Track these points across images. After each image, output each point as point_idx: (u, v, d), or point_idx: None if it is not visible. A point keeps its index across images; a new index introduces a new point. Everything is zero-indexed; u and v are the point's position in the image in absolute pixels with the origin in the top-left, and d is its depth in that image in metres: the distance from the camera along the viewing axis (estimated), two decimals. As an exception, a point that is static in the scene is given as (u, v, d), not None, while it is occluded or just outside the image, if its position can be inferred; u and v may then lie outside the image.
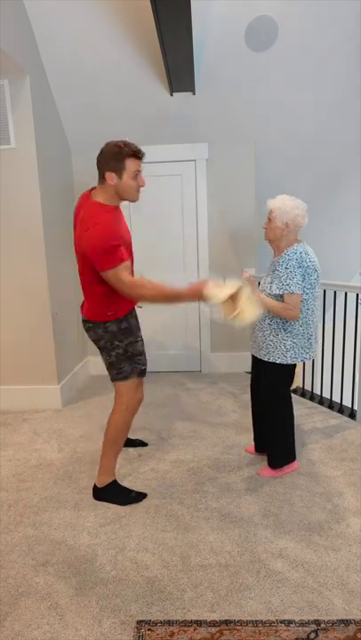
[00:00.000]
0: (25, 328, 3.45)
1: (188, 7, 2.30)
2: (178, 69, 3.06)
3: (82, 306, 2.26)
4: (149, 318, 4.19)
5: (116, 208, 2.10)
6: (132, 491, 2.34)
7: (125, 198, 2.09)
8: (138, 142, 4.04)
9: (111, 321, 2.14)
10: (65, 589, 1.77)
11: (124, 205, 2.24)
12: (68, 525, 2.14)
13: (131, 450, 2.83)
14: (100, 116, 3.69)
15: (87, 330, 2.24)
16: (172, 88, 3.41)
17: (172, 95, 3.53)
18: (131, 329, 2.19)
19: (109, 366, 2.22)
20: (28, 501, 2.35)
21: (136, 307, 2.30)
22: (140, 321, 2.34)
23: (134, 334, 2.21)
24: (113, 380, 2.24)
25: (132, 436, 2.91)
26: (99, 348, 2.23)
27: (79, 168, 4.03)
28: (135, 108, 3.63)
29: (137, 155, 2.05)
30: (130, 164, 2.01)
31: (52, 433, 3.12)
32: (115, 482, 2.32)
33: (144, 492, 2.36)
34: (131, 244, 2.22)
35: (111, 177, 2.01)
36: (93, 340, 2.23)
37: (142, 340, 2.28)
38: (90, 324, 2.20)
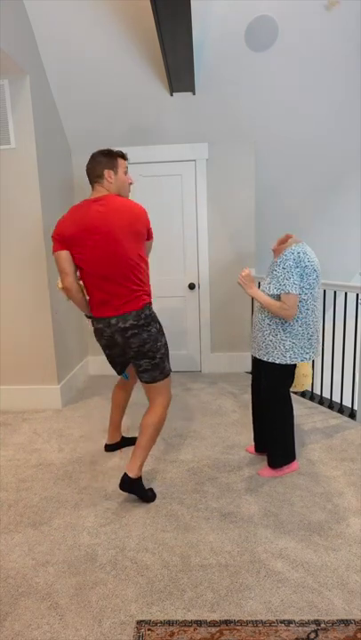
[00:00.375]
0: (25, 328, 3.45)
1: (188, 7, 2.30)
2: (178, 69, 3.06)
3: (108, 309, 2.20)
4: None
5: None
6: (148, 490, 2.35)
7: (121, 194, 2.26)
8: (138, 142, 4.10)
9: (152, 322, 2.22)
10: (65, 589, 1.77)
11: None
12: (68, 525, 2.15)
13: (131, 450, 2.83)
14: (100, 116, 3.69)
15: (129, 338, 2.19)
16: (172, 88, 3.41)
17: (172, 95, 3.53)
18: (161, 327, 2.30)
19: (153, 368, 2.23)
20: (28, 501, 2.35)
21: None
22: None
23: (163, 333, 2.31)
24: (154, 381, 2.26)
25: (132, 434, 2.94)
26: (141, 353, 2.20)
27: (79, 168, 4.03)
28: (135, 108, 3.63)
29: (124, 156, 2.30)
30: (120, 162, 2.25)
31: (52, 433, 3.13)
32: (141, 478, 2.33)
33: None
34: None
35: (110, 174, 2.21)
36: (135, 348, 2.20)
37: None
38: (135, 331, 2.17)
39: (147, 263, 2.26)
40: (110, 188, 2.21)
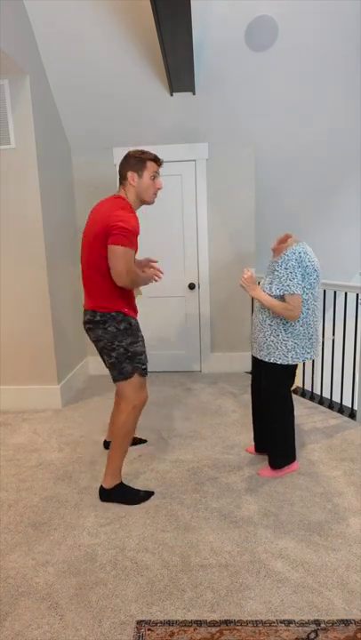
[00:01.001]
0: (25, 328, 3.45)
1: (188, 7, 2.30)
2: (178, 69, 3.06)
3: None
4: (149, 318, 4.20)
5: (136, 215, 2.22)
6: (140, 490, 2.34)
7: (143, 198, 2.26)
8: (138, 142, 4.09)
9: (110, 321, 2.19)
10: (65, 589, 1.77)
11: None
12: (68, 525, 2.15)
13: (131, 450, 2.83)
14: (100, 116, 3.69)
15: (87, 331, 2.29)
16: (172, 88, 3.41)
17: (172, 95, 3.53)
18: (131, 329, 2.23)
19: (111, 367, 2.25)
20: (28, 501, 2.35)
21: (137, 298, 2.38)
22: (139, 320, 2.39)
23: (135, 335, 2.24)
24: (115, 380, 2.26)
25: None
26: (99, 349, 2.28)
27: (79, 168, 4.03)
28: (135, 108, 3.63)
29: (156, 160, 2.26)
30: (150, 165, 2.22)
31: (51, 433, 3.12)
32: (121, 483, 2.32)
33: (141, 487, 2.38)
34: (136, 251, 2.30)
35: (133, 176, 2.21)
36: (93, 342, 2.28)
37: (143, 340, 2.31)
38: (90, 325, 2.25)
39: (104, 275, 2.13)
40: (130, 191, 2.23)
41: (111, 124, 3.77)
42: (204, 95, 3.53)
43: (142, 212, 4.03)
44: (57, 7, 3.00)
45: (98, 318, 2.19)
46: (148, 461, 2.69)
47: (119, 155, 3.94)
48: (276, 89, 3.45)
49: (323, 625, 1.55)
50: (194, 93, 3.51)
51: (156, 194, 2.29)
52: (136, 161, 2.21)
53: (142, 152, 2.24)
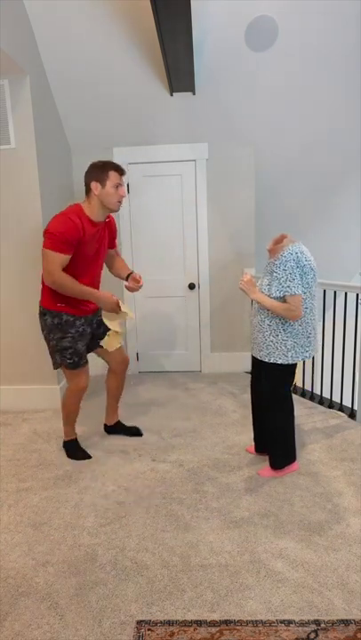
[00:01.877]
0: (25, 328, 3.45)
1: (188, 7, 2.30)
2: (178, 69, 3.06)
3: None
4: (149, 318, 4.20)
5: (93, 223, 2.43)
6: (85, 452, 2.77)
7: (107, 206, 2.42)
8: (138, 142, 4.09)
9: (47, 315, 2.51)
10: (65, 589, 1.77)
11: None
12: (68, 525, 2.15)
13: (131, 450, 2.84)
14: (100, 116, 3.69)
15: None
16: (172, 88, 3.41)
17: (172, 95, 3.53)
18: (62, 325, 2.50)
19: (50, 355, 2.63)
20: (28, 501, 2.35)
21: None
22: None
23: (64, 330, 2.50)
24: (53, 367, 2.67)
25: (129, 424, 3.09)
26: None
27: (79, 168, 4.00)
28: (135, 108, 3.63)
29: (118, 169, 2.39)
30: (112, 175, 2.36)
31: (51, 433, 3.12)
32: (74, 440, 2.81)
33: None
34: (92, 258, 2.53)
35: (96, 186, 2.37)
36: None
37: (74, 336, 2.52)
38: (39, 317, 2.58)
39: (43, 272, 2.40)
40: (94, 200, 2.40)
41: (111, 124, 3.77)
42: (204, 95, 3.52)
43: (142, 213, 4.06)
44: (57, 7, 3.00)
45: (40, 310, 2.55)
46: (148, 461, 2.69)
47: (119, 155, 3.94)
48: (276, 89, 3.45)
49: (323, 625, 1.55)
50: (194, 93, 3.51)
51: (120, 202, 2.43)
52: (99, 171, 2.36)
53: (104, 163, 2.39)
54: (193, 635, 1.53)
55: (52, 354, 2.60)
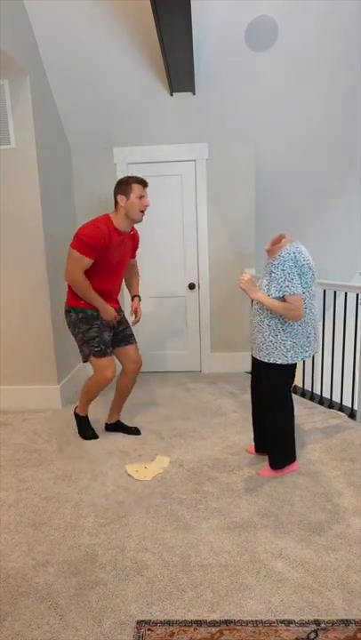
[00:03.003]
0: (25, 328, 3.46)
1: (188, 7, 2.30)
2: (178, 69, 3.06)
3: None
4: (150, 318, 4.20)
5: (119, 232, 2.67)
6: (94, 431, 3.00)
7: (131, 217, 2.66)
8: (138, 142, 4.10)
9: (72, 311, 2.75)
10: (65, 589, 1.77)
11: None
12: (68, 525, 2.15)
13: (131, 451, 2.84)
14: (100, 116, 3.69)
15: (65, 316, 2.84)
16: (172, 88, 3.41)
17: (172, 95, 3.53)
18: (87, 318, 2.72)
19: (79, 350, 2.80)
20: (28, 501, 2.35)
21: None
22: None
23: (89, 323, 2.71)
24: (82, 360, 2.81)
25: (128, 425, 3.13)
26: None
27: (79, 168, 4.03)
28: (135, 108, 3.63)
29: (142, 182, 2.65)
30: (136, 187, 2.62)
31: (51, 433, 3.13)
32: (85, 417, 3.02)
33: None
34: (117, 264, 2.75)
35: (122, 198, 2.63)
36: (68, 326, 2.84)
37: (99, 327, 2.72)
38: (64, 314, 2.82)
39: (66, 269, 2.64)
40: (120, 212, 2.66)
41: (111, 124, 3.77)
42: (204, 95, 3.52)
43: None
44: (57, 7, 3.00)
45: (65, 309, 2.79)
46: (148, 461, 2.69)
47: (119, 155, 3.95)
48: (275, 89, 3.45)
49: (323, 625, 1.55)
50: (194, 93, 3.51)
51: (143, 211, 2.66)
52: (124, 185, 2.63)
53: (128, 177, 2.66)
54: (193, 635, 1.53)
55: (80, 347, 2.78)
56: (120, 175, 4.00)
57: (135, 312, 2.96)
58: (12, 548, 2.01)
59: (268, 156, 3.89)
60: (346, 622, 1.56)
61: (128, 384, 2.98)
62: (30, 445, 2.96)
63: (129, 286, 3.08)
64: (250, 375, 2.69)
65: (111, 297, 2.82)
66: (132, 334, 2.97)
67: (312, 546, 1.95)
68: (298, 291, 2.19)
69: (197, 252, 4.13)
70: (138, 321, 2.98)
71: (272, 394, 2.43)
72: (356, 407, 3.19)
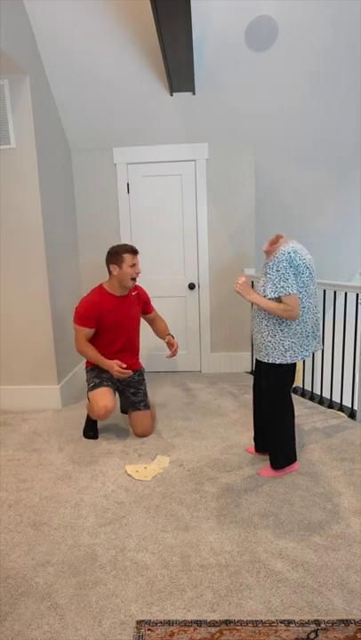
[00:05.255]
0: (25, 328, 3.46)
1: (188, 7, 2.30)
2: (178, 69, 3.06)
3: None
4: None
5: (115, 297, 2.91)
6: (95, 433, 3.04)
7: (124, 285, 2.87)
8: (138, 142, 4.09)
9: (87, 369, 3.08)
10: (65, 589, 1.77)
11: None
12: (68, 525, 2.15)
13: (131, 451, 2.84)
14: (99, 116, 3.69)
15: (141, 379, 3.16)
16: (172, 88, 3.41)
17: (172, 95, 3.53)
18: (92, 373, 3.00)
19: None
20: (28, 501, 2.35)
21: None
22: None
23: (91, 376, 2.99)
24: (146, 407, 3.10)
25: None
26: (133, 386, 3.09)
27: (79, 168, 4.03)
28: (135, 108, 3.63)
29: (132, 251, 2.84)
30: (127, 257, 2.81)
31: (51, 433, 3.13)
32: (93, 420, 3.06)
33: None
34: (119, 324, 2.95)
35: (114, 268, 2.84)
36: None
37: (100, 370, 2.97)
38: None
39: (75, 345, 2.94)
40: (113, 280, 2.89)
41: (111, 124, 3.77)
42: (204, 95, 3.53)
43: (142, 212, 4.06)
44: (57, 7, 3.00)
45: (85, 369, 3.08)
46: (148, 461, 2.69)
47: (119, 155, 3.95)
48: (276, 89, 3.45)
49: (323, 625, 1.55)
50: (194, 93, 3.51)
51: (134, 278, 2.86)
52: (115, 256, 2.81)
53: (118, 247, 2.84)
54: (193, 635, 1.53)
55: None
56: (120, 175, 4.00)
57: (171, 345, 3.14)
58: (12, 547, 2.01)
59: (268, 155, 3.89)
60: (346, 622, 1.56)
61: (140, 435, 3.05)
62: (30, 445, 2.96)
63: (159, 334, 3.24)
64: (250, 375, 2.69)
65: (128, 353, 3.05)
66: (143, 400, 3.07)
67: (312, 546, 1.95)
68: (293, 291, 2.18)
69: (197, 252, 4.13)
70: (174, 354, 3.15)
71: (272, 394, 2.43)
72: (356, 407, 3.19)
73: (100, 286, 2.95)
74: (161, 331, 3.23)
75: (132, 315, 3.03)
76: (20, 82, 3.07)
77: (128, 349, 3.05)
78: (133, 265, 2.82)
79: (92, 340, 2.93)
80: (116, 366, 2.77)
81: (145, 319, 3.24)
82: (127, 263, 2.81)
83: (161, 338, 3.23)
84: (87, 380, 3.02)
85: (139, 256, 2.90)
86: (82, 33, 3.13)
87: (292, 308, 2.20)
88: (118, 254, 2.81)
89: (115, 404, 2.89)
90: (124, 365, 2.85)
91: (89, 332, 2.88)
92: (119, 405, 3.30)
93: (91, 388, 2.93)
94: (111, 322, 2.91)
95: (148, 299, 3.18)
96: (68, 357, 3.77)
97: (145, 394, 3.11)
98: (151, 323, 3.25)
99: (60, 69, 3.36)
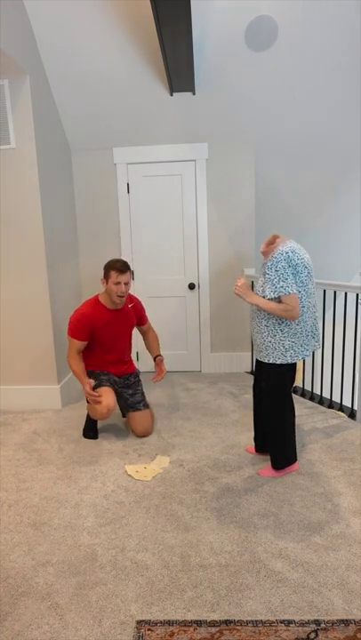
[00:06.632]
0: (25, 328, 3.46)
1: (188, 7, 2.30)
2: (178, 69, 3.06)
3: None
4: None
5: (108, 310, 2.93)
6: (95, 433, 3.03)
7: (112, 299, 2.88)
8: (138, 142, 4.10)
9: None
10: (65, 589, 1.77)
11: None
12: (68, 525, 2.15)
13: (131, 451, 2.84)
14: (99, 116, 3.70)
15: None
16: (172, 88, 3.41)
17: (172, 95, 3.53)
18: (91, 375, 2.97)
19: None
20: (27, 501, 2.35)
21: None
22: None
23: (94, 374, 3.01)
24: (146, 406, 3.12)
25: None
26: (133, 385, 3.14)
27: (79, 168, 4.03)
28: (135, 108, 3.64)
29: (118, 269, 2.80)
30: (113, 274, 2.81)
31: (51, 433, 3.13)
32: (93, 420, 3.05)
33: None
34: (113, 338, 2.98)
35: (103, 282, 2.88)
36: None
37: (98, 380, 2.96)
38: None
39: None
40: (104, 292, 2.93)
41: (111, 124, 3.77)
42: (204, 95, 3.53)
43: (142, 212, 4.07)
44: (57, 7, 3.00)
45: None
46: (148, 461, 2.69)
47: (119, 155, 3.95)
48: (276, 89, 3.45)
49: (323, 625, 1.55)
50: (194, 93, 3.51)
51: (118, 295, 2.83)
52: (106, 270, 2.85)
53: (109, 263, 2.85)
54: (193, 635, 1.53)
55: None
56: (120, 175, 4.01)
57: (159, 372, 3.11)
58: (12, 547, 2.01)
59: (268, 155, 3.89)
60: (346, 622, 1.56)
61: (141, 435, 3.05)
62: (30, 445, 2.96)
63: (149, 350, 3.22)
64: (250, 375, 2.69)
65: (122, 362, 3.09)
66: (142, 400, 3.08)
67: (312, 546, 1.95)
68: (292, 290, 2.18)
69: (197, 252, 4.13)
70: (159, 379, 3.10)
71: (272, 394, 2.43)
72: (356, 407, 3.19)
73: (96, 298, 2.96)
74: (152, 347, 3.20)
75: (127, 328, 3.06)
76: (19, 82, 3.07)
77: (120, 361, 3.09)
78: (118, 283, 2.80)
79: (86, 350, 2.95)
80: (87, 386, 2.75)
81: (138, 329, 3.22)
82: (112, 280, 2.81)
83: (150, 353, 3.21)
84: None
85: (128, 275, 2.83)
86: (82, 33, 3.14)
87: (292, 308, 2.20)
88: (107, 269, 2.84)
89: (116, 403, 2.90)
90: (93, 388, 2.86)
91: (81, 344, 2.89)
92: (119, 409, 3.29)
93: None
94: (105, 336, 2.94)
95: (143, 311, 3.18)
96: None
97: (143, 394, 3.11)
98: (144, 335, 3.24)
99: (60, 69, 3.36)
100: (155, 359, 3.14)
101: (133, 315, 3.07)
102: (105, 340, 2.95)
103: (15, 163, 3.20)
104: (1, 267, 3.38)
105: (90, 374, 2.97)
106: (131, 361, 3.20)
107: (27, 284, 3.38)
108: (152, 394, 3.78)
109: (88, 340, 2.90)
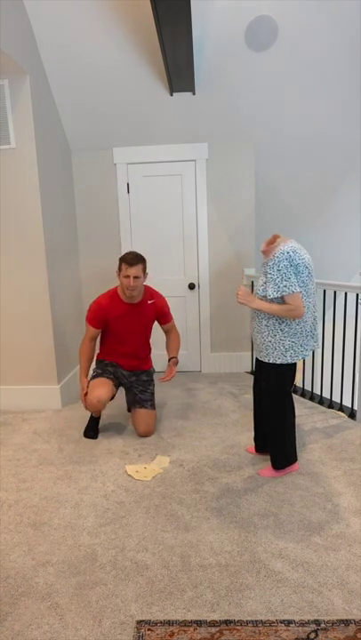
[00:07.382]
0: (25, 328, 3.46)
1: (188, 7, 2.30)
2: (178, 69, 3.06)
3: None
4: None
5: (124, 303, 2.93)
6: (95, 433, 3.03)
7: (124, 292, 2.89)
8: (138, 142, 4.10)
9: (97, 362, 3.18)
10: (65, 589, 1.77)
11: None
12: (68, 525, 2.15)
13: (131, 451, 2.84)
14: (100, 116, 3.70)
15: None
16: (172, 88, 3.41)
17: (172, 95, 3.53)
18: (98, 365, 3.10)
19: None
20: (28, 501, 2.35)
21: None
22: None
23: (96, 368, 3.09)
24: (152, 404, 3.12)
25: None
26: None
27: (79, 168, 4.03)
28: (135, 108, 3.64)
29: (128, 261, 2.79)
30: (123, 267, 2.82)
31: (51, 433, 3.13)
32: (95, 418, 3.05)
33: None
34: (126, 331, 2.99)
35: (117, 274, 2.89)
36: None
37: (102, 370, 3.03)
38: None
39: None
40: (120, 286, 2.95)
41: (111, 124, 3.77)
42: (204, 95, 3.53)
43: (142, 212, 4.07)
44: (57, 7, 3.00)
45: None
46: (148, 461, 2.69)
47: (119, 155, 3.95)
48: (276, 89, 3.45)
49: (323, 625, 1.55)
50: (194, 93, 3.51)
51: (127, 289, 2.83)
52: (119, 262, 2.85)
53: (122, 256, 2.84)
54: (193, 635, 1.53)
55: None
56: (120, 175, 4.01)
57: (169, 372, 3.01)
58: (12, 547, 2.01)
59: (268, 155, 3.89)
60: (346, 622, 1.56)
61: (142, 434, 3.04)
62: (30, 445, 2.96)
63: (167, 349, 3.16)
64: (250, 375, 2.69)
65: (136, 357, 3.08)
66: (150, 400, 3.07)
67: (312, 546, 1.95)
68: (296, 289, 2.18)
69: (197, 251, 4.13)
70: (167, 380, 2.99)
71: (272, 394, 2.43)
72: (356, 407, 3.19)
73: (115, 289, 2.99)
74: (170, 348, 3.14)
75: (143, 323, 3.01)
76: (20, 82, 3.07)
77: (133, 355, 3.06)
78: (127, 276, 2.79)
79: (102, 337, 3.05)
80: (83, 392, 2.90)
81: (161, 328, 3.18)
82: (122, 273, 2.83)
83: (167, 353, 3.14)
84: (93, 370, 3.10)
85: (138, 268, 2.78)
86: (82, 33, 3.13)
87: (295, 307, 2.20)
88: (119, 261, 2.85)
89: (109, 395, 2.90)
90: (85, 391, 2.92)
91: (95, 331, 2.96)
92: (125, 403, 3.31)
93: (90, 379, 2.99)
94: (118, 327, 2.96)
95: (166, 309, 3.08)
96: (68, 357, 3.77)
97: (152, 394, 3.10)
98: (165, 334, 3.19)
99: (60, 69, 3.36)
100: (169, 360, 3.08)
101: (153, 311, 3.03)
102: (118, 332, 2.97)
103: (15, 163, 3.20)
104: (1, 267, 3.38)
105: (99, 362, 3.06)
106: (146, 358, 3.16)
107: (27, 284, 3.38)
108: (152, 394, 3.78)
109: (102, 328, 2.96)
